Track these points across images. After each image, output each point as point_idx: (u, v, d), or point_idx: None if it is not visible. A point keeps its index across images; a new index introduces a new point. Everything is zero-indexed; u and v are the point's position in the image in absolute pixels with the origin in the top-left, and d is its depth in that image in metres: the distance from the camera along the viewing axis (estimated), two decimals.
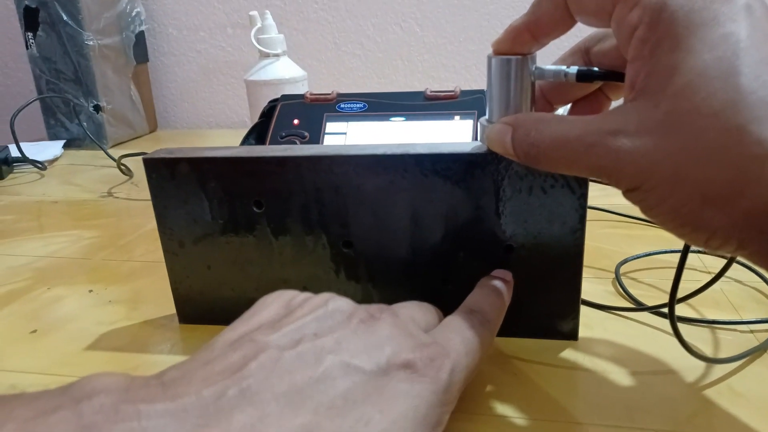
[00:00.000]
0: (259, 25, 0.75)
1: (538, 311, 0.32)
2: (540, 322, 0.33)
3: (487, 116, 0.29)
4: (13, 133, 0.75)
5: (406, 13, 0.93)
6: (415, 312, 0.27)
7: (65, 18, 0.84)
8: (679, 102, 0.20)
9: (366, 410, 0.20)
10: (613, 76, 0.25)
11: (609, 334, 0.33)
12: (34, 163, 0.76)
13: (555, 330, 0.33)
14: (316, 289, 0.32)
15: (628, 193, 0.22)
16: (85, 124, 0.85)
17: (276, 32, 0.75)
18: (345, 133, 0.50)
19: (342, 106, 0.51)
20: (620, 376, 0.30)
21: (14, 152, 0.76)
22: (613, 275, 0.40)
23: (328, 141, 0.50)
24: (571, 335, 0.33)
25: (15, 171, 0.77)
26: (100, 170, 0.77)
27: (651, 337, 0.33)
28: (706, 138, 0.20)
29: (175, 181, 0.33)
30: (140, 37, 0.96)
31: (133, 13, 0.93)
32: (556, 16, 0.25)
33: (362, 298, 0.34)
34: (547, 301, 0.32)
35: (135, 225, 0.56)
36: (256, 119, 0.56)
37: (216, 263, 0.34)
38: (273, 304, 0.25)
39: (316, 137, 0.50)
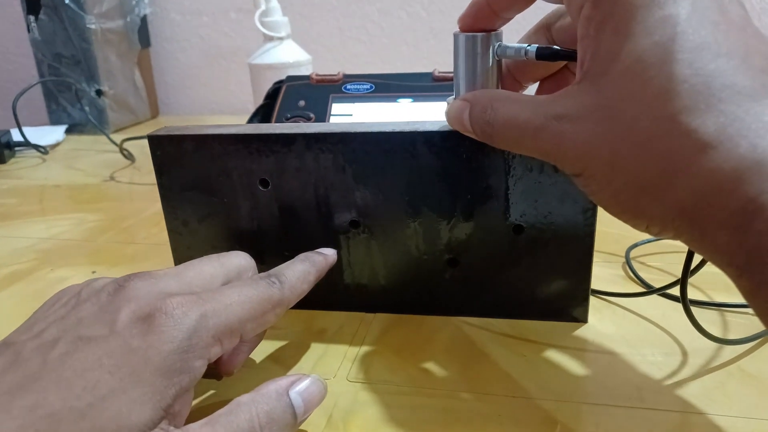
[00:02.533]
0: (263, 7, 0.74)
1: (548, 293, 0.32)
2: (550, 304, 0.32)
3: (453, 94, 0.28)
4: (15, 117, 0.74)
5: None
6: (205, 269, 0.26)
7: (67, 1, 0.83)
8: (617, 88, 0.20)
9: (95, 375, 0.20)
10: (571, 55, 0.24)
11: (618, 317, 0.33)
12: (36, 147, 0.76)
13: (565, 312, 0.32)
14: None
15: (573, 179, 0.22)
16: (87, 108, 0.84)
17: (280, 15, 0.75)
18: (351, 115, 0.49)
19: (348, 87, 0.51)
20: (630, 358, 0.29)
21: (16, 136, 0.75)
22: (623, 259, 0.40)
23: (334, 122, 0.50)
24: (581, 318, 0.32)
25: (17, 155, 0.77)
26: (102, 155, 0.76)
27: (661, 320, 0.32)
28: (639, 126, 0.19)
29: (180, 159, 0.32)
30: (143, 21, 0.95)
31: None
32: None
33: (369, 279, 0.34)
34: (557, 282, 0.32)
35: (137, 209, 0.55)
36: (259, 104, 0.55)
37: (220, 242, 0.34)
38: (43, 306, 0.25)
39: (322, 118, 0.49)
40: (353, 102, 0.50)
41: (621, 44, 0.20)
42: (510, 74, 0.29)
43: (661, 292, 0.34)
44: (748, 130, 0.18)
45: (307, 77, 0.52)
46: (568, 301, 0.32)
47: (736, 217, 0.18)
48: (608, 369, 0.29)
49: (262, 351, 0.31)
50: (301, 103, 0.50)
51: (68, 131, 0.88)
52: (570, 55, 0.24)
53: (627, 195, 0.21)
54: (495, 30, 0.26)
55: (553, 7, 0.26)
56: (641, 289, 0.35)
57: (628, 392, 0.27)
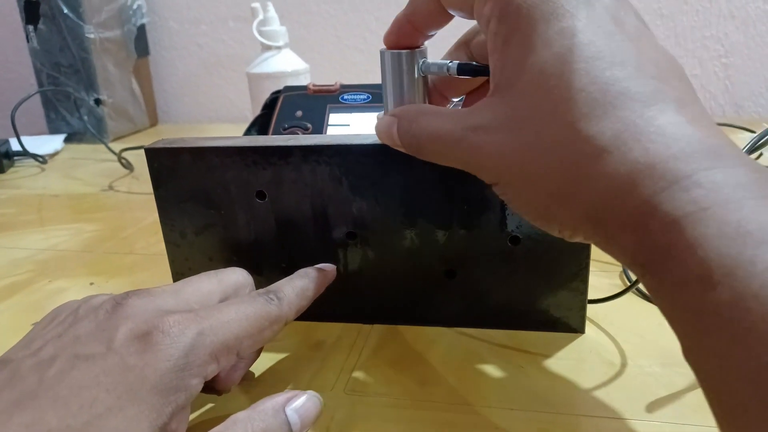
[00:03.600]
0: (261, 17, 0.74)
1: (545, 304, 0.32)
2: (547, 315, 0.32)
3: (383, 110, 0.29)
4: (13, 126, 0.74)
5: None
6: (203, 285, 0.26)
7: (66, 11, 0.83)
8: (523, 99, 0.21)
9: (91, 393, 0.20)
10: (488, 70, 0.25)
11: (615, 327, 0.33)
12: (34, 156, 0.76)
13: (562, 323, 0.32)
14: None
15: (493, 188, 0.23)
16: (85, 117, 0.85)
17: (278, 24, 0.75)
18: (348, 125, 0.50)
19: (345, 97, 0.51)
20: (628, 369, 0.29)
21: (15, 146, 0.76)
22: (620, 268, 0.40)
23: (332, 132, 0.50)
24: (578, 328, 0.32)
25: (16, 165, 0.77)
26: (100, 164, 0.76)
27: (657, 330, 0.32)
28: (544, 136, 0.20)
29: (177, 171, 0.33)
30: (141, 30, 0.95)
31: (135, 6, 0.93)
32: (431, 8, 0.25)
33: (366, 290, 0.34)
34: (554, 293, 0.32)
35: (136, 218, 0.55)
36: (257, 113, 0.55)
37: (218, 254, 0.34)
38: (40, 323, 0.25)
39: (319, 129, 0.50)
40: (350, 112, 0.50)
41: (525, 57, 0.21)
42: (436, 90, 0.30)
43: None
44: (641, 135, 0.19)
45: (304, 87, 0.52)
46: (565, 311, 0.32)
47: (634, 218, 0.18)
48: (606, 380, 0.29)
49: (259, 363, 0.31)
50: (299, 113, 0.50)
51: (67, 140, 0.88)
52: (487, 70, 0.25)
53: (538, 202, 0.22)
54: (419, 47, 0.27)
55: (473, 23, 0.26)
56: (638, 299, 0.35)
57: (626, 404, 0.27)
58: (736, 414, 0.16)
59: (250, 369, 0.31)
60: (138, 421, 0.20)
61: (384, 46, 0.28)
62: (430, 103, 0.29)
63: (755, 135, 0.34)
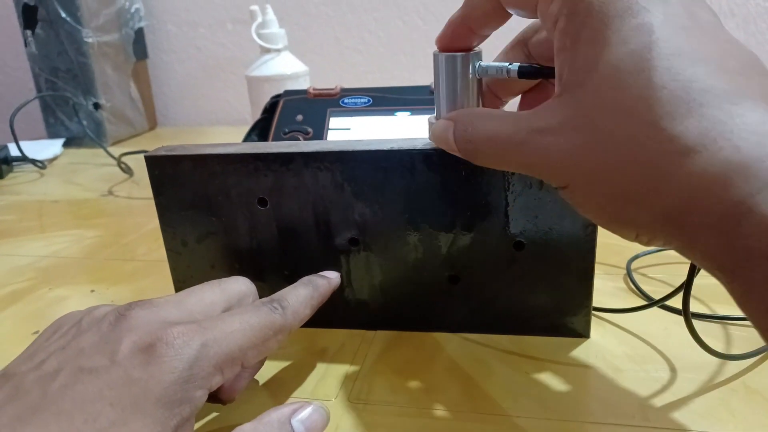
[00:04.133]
0: (259, 19, 0.74)
1: (550, 309, 0.32)
2: (551, 319, 0.32)
3: (435, 114, 0.28)
4: (12, 131, 0.74)
5: (409, 7, 0.92)
6: (206, 295, 0.26)
7: (64, 15, 0.83)
8: (596, 98, 0.20)
9: (96, 407, 0.20)
10: (552, 72, 0.24)
11: (621, 332, 0.33)
12: (33, 162, 0.76)
13: (566, 328, 0.32)
14: None
15: (560, 191, 0.22)
16: (84, 122, 0.84)
17: (277, 27, 0.75)
18: (349, 129, 0.49)
19: (346, 101, 0.51)
20: (633, 374, 0.29)
21: (14, 151, 0.75)
22: (625, 271, 0.39)
23: (332, 137, 0.49)
24: (583, 333, 0.32)
25: (15, 170, 0.77)
26: (100, 169, 0.76)
27: (663, 335, 0.32)
28: (621, 135, 0.19)
29: (178, 178, 0.32)
30: (139, 33, 0.95)
31: (132, 10, 0.92)
32: (488, 8, 0.25)
33: (369, 296, 0.33)
34: (559, 298, 0.31)
35: (137, 224, 0.55)
36: (257, 116, 0.55)
37: (219, 262, 0.34)
38: (42, 334, 0.25)
39: (320, 133, 0.49)
40: (351, 116, 0.50)
41: (597, 54, 0.20)
42: (490, 91, 0.29)
43: (662, 304, 0.34)
44: (730, 133, 0.18)
45: (305, 91, 0.52)
46: (570, 316, 0.32)
47: (724, 221, 0.18)
48: (611, 386, 0.28)
49: (263, 372, 0.31)
50: (299, 117, 0.50)
51: (66, 145, 0.88)
52: (552, 72, 0.24)
53: (613, 205, 0.21)
54: (473, 47, 0.27)
55: (529, 22, 0.26)
56: (643, 302, 0.35)
57: (632, 411, 0.27)
58: None
59: (254, 377, 0.30)
60: None
61: (436, 49, 0.27)
62: (483, 104, 0.28)
63: None
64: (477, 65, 0.26)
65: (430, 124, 0.28)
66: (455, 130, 0.25)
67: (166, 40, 1.03)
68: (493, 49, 0.29)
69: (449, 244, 0.31)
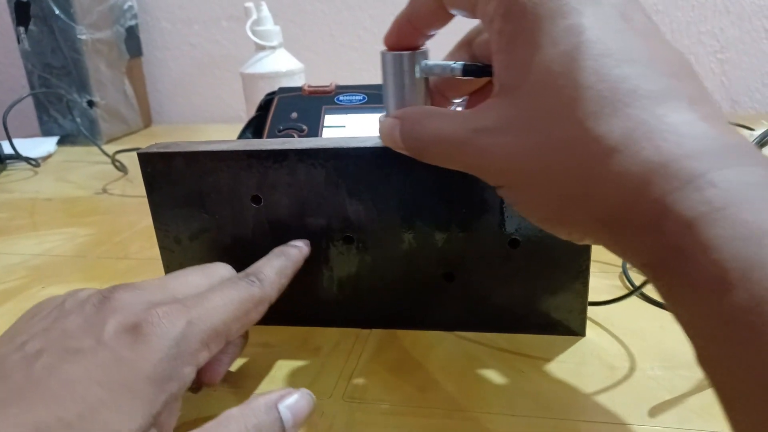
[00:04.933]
0: (254, 16, 0.73)
1: (545, 307, 0.32)
2: (547, 318, 0.32)
3: (384, 112, 0.28)
4: (5, 129, 0.74)
5: (404, 4, 0.92)
6: (189, 279, 0.26)
7: (57, 12, 0.82)
8: (530, 99, 0.20)
9: (83, 386, 0.20)
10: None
11: (616, 330, 0.33)
12: (27, 159, 0.75)
13: (562, 326, 0.32)
14: (316, 288, 0.32)
15: (498, 190, 0.23)
16: (78, 119, 0.84)
17: (272, 24, 0.74)
18: (344, 126, 0.49)
19: (341, 98, 0.50)
20: (629, 372, 0.29)
21: (7, 149, 0.75)
22: (620, 269, 0.39)
23: (327, 134, 0.49)
24: (579, 331, 0.32)
25: (8, 168, 0.76)
26: (94, 166, 0.76)
27: (659, 332, 0.32)
28: (553, 136, 0.20)
29: (171, 176, 0.32)
30: (133, 30, 0.95)
31: (126, 6, 0.92)
32: (432, 8, 0.25)
33: (364, 295, 0.33)
34: (554, 296, 0.31)
35: (130, 222, 0.55)
36: (252, 113, 0.55)
37: (213, 260, 0.33)
38: (23, 316, 0.24)
39: (315, 130, 0.49)
40: (346, 113, 0.50)
41: (531, 56, 0.20)
42: (438, 90, 0.29)
43: (659, 303, 0.34)
44: (652, 133, 0.18)
45: (299, 89, 0.52)
46: (566, 314, 0.32)
47: (647, 219, 0.18)
48: (607, 384, 0.28)
49: (257, 369, 0.31)
50: (294, 114, 0.50)
51: (60, 142, 0.87)
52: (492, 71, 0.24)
53: (546, 205, 0.21)
54: (419, 46, 0.27)
55: (476, 22, 0.26)
56: (639, 300, 0.35)
57: (628, 409, 0.27)
58: (754, 423, 0.15)
59: (246, 375, 0.30)
60: (131, 413, 0.20)
61: (384, 47, 0.27)
62: (431, 104, 0.29)
63: (758, 135, 0.34)
64: (423, 64, 0.27)
65: (379, 121, 0.28)
66: (402, 128, 0.26)
67: (161, 37, 1.02)
68: (446, 49, 0.29)
69: (444, 241, 0.31)
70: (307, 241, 0.31)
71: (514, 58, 0.21)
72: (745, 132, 0.68)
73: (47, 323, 0.22)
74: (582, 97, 0.19)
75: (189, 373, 0.22)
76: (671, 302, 0.18)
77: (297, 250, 0.30)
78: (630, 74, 0.19)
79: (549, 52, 0.20)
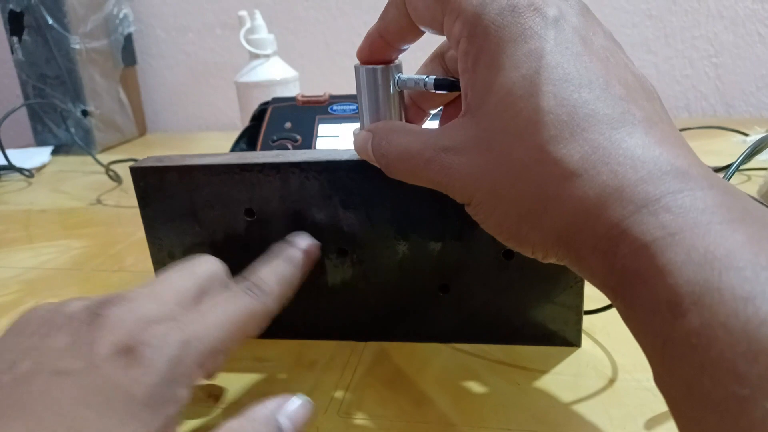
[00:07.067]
0: (248, 25, 0.73)
1: (540, 318, 0.32)
2: (542, 328, 0.32)
3: (359, 125, 0.28)
4: None
5: None
6: (177, 283, 0.25)
7: (51, 22, 0.82)
8: (492, 120, 0.21)
9: (78, 412, 0.19)
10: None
11: (612, 340, 0.32)
12: (21, 170, 0.75)
13: (557, 337, 0.32)
14: (310, 300, 0.31)
15: (466, 208, 0.23)
16: (73, 129, 0.84)
17: (266, 32, 0.74)
18: (338, 136, 0.49)
19: (334, 108, 0.50)
20: (625, 384, 0.29)
21: (0, 160, 0.74)
22: None
23: (321, 144, 0.49)
24: (574, 341, 0.32)
25: (2, 179, 0.76)
26: (88, 177, 0.75)
27: None
28: (513, 157, 0.20)
29: (164, 190, 0.32)
30: (128, 39, 0.95)
31: (121, 15, 0.92)
32: (402, 24, 0.25)
33: (359, 307, 0.33)
34: (549, 307, 0.31)
35: (125, 233, 0.55)
36: (247, 121, 0.55)
37: None
38: (11, 329, 0.24)
39: (309, 140, 0.49)
40: (340, 123, 0.50)
41: (493, 78, 0.21)
42: (413, 102, 0.29)
43: None
44: (609, 158, 0.19)
45: (293, 98, 0.52)
46: (561, 325, 0.32)
47: (604, 242, 0.18)
48: (604, 396, 0.28)
49: (252, 385, 0.30)
50: (287, 124, 0.50)
51: (54, 152, 0.87)
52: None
53: (509, 223, 0.21)
54: (393, 60, 0.27)
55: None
56: None
57: (624, 422, 0.26)
58: None
59: (241, 391, 0.30)
60: None
61: (358, 61, 0.27)
62: (407, 116, 0.29)
63: (752, 142, 0.34)
64: (396, 77, 0.27)
65: (354, 135, 0.28)
66: (372, 142, 0.26)
67: (155, 45, 1.02)
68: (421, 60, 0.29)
69: (439, 253, 0.31)
70: (317, 243, 0.29)
71: (478, 79, 0.21)
72: (739, 138, 0.68)
73: (35, 341, 0.22)
74: (542, 121, 0.19)
75: (185, 395, 0.21)
76: (629, 323, 0.19)
77: (304, 254, 0.28)
78: (587, 99, 0.19)
79: (510, 75, 0.20)
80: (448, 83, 0.25)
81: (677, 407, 0.17)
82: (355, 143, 0.28)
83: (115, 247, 0.51)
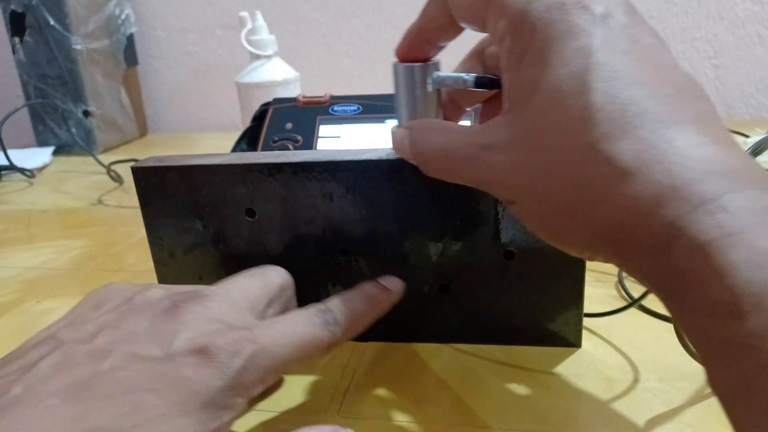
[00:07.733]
0: (249, 26, 0.73)
1: (541, 318, 0.32)
2: (543, 329, 0.32)
3: (397, 123, 0.28)
4: (0, 140, 0.73)
5: (399, 13, 0.92)
6: (251, 292, 0.26)
7: (52, 22, 0.82)
8: (538, 118, 0.20)
9: (143, 396, 0.20)
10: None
11: (613, 340, 0.32)
12: (22, 170, 0.75)
13: (558, 337, 0.32)
14: (312, 301, 0.31)
15: (509, 207, 0.23)
16: (74, 129, 0.84)
17: (267, 33, 0.74)
18: (339, 137, 0.49)
19: (335, 108, 0.50)
20: (625, 384, 0.29)
21: (2, 160, 0.75)
22: (616, 278, 0.39)
23: (322, 145, 0.49)
24: (575, 342, 0.32)
25: (3, 179, 0.76)
26: (89, 177, 0.76)
27: (654, 343, 0.32)
28: (560, 156, 0.20)
29: (165, 190, 0.32)
30: (129, 40, 0.95)
31: (123, 16, 0.92)
32: (443, 21, 0.25)
33: None
34: (550, 307, 0.31)
35: (126, 233, 0.55)
36: (247, 122, 0.55)
37: (207, 274, 0.33)
38: (88, 300, 0.25)
39: (309, 141, 0.49)
40: (341, 123, 0.50)
41: (540, 75, 0.20)
42: (451, 100, 0.29)
43: (655, 313, 0.34)
44: (662, 156, 0.18)
45: (294, 99, 0.52)
46: (562, 325, 0.32)
47: (657, 242, 0.18)
48: (604, 397, 0.28)
49: None
50: (288, 125, 0.50)
51: (56, 152, 0.87)
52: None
53: (554, 222, 0.21)
54: (431, 58, 0.27)
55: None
56: (636, 311, 0.35)
57: (625, 422, 0.26)
58: None
59: None
60: None
61: (396, 59, 0.27)
62: (444, 113, 0.29)
63: (752, 143, 0.34)
64: (435, 75, 0.27)
65: (392, 132, 0.28)
66: (410, 139, 0.26)
67: (156, 46, 1.03)
68: (459, 57, 0.29)
69: (439, 253, 0.31)
70: (401, 283, 0.29)
71: (523, 77, 0.21)
72: (740, 139, 0.68)
73: (115, 317, 0.23)
74: (593, 118, 0.19)
75: (241, 405, 0.22)
76: (682, 323, 0.18)
77: (387, 296, 0.28)
78: (638, 96, 0.19)
79: (559, 72, 0.20)
80: (489, 81, 0.25)
81: (734, 410, 0.16)
82: (393, 140, 0.28)
83: (116, 247, 0.51)
